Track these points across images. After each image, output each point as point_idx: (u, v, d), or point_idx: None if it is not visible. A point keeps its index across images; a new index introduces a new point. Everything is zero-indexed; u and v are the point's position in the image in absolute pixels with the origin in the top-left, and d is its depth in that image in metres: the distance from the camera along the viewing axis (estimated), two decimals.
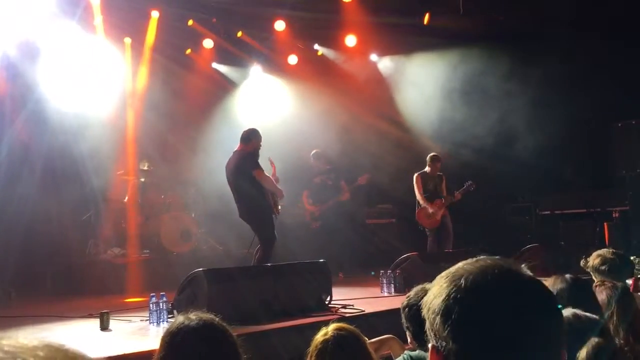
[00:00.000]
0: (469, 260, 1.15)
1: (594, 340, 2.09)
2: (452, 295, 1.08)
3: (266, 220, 7.01)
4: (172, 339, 2.12)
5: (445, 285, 1.11)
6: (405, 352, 2.65)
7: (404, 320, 2.87)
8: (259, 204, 6.97)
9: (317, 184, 9.88)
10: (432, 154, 9.40)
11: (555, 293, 2.67)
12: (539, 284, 1.13)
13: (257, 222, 7.08)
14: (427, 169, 9.33)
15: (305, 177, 10.23)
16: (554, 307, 1.12)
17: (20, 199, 8.33)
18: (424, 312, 1.15)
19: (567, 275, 2.75)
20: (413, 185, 9.33)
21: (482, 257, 1.16)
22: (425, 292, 2.74)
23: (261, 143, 7.21)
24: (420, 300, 2.71)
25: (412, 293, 2.90)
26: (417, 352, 2.66)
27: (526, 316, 1.06)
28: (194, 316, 2.15)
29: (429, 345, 1.13)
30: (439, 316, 1.09)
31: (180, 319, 2.17)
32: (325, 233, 9.75)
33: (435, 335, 1.11)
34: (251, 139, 7.14)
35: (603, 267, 3.48)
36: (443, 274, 1.16)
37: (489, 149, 9.91)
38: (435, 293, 1.13)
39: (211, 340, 2.11)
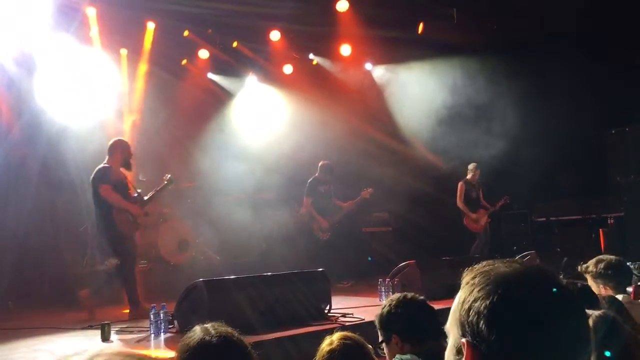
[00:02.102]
0: (503, 263, 1.18)
1: (594, 313, 2.12)
2: (496, 298, 1.10)
3: (113, 236, 6.82)
4: (191, 358, 2.04)
5: (487, 287, 1.12)
6: (397, 355, 2.64)
7: (383, 328, 2.83)
8: (105, 219, 6.81)
9: (322, 193, 9.77)
10: (473, 163, 9.95)
11: None
12: (570, 289, 1.17)
13: (105, 237, 6.92)
14: (468, 176, 9.92)
15: (303, 185, 10.18)
16: (584, 311, 1.17)
17: (16, 210, 8.32)
18: (460, 313, 1.15)
19: (580, 284, 2.78)
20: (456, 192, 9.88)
21: (513, 260, 1.20)
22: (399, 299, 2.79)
23: (130, 155, 7.06)
24: (398, 306, 2.76)
25: (391, 302, 2.89)
26: (408, 356, 2.64)
27: (568, 320, 1.10)
28: (213, 330, 2.07)
29: (463, 340, 1.13)
30: (484, 318, 1.09)
31: (199, 333, 2.08)
32: (325, 242, 9.69)
33: (474, 334, 1.11)
34: (115, 151, 6.98)
35: (608, 272, 3.49)
36: (476, 275, 1.17)
37: (483, 157, 9.96)
38: (476, 295, 1.13)
39: (232, 357, 2.05)
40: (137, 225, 7.05)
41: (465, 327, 1.13)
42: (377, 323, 2.87)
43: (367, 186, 9.94)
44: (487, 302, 1.11)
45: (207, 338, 2.04)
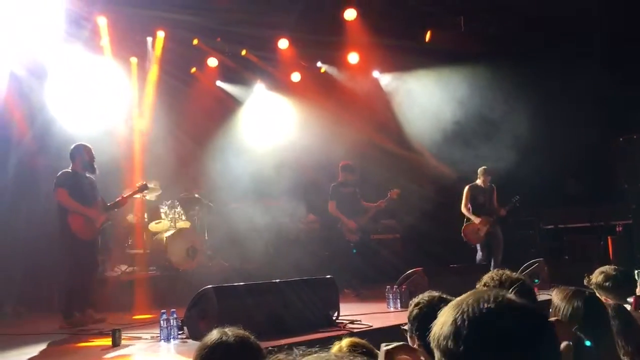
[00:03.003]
0: (469, 292, 1.29)
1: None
2: (458, 320, 1.22)
3: (65, 240, 6.83)
4: (210, 354, 2.16)
5: (450, 312, 1.25)
6: None
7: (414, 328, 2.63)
8: (60, 222, 6.82)
9: (346, 195, 9.40)
10: (483, 166, 9.54)
11: (571, 308, 2.70)
12: (532, 309, 1.26)
13: (60, 241, 6.94)
14: (478, 181, 9.51)
15: (311, 191, 10.14)
16: (547, 331, 1.24)
17: (26, 218, 8.40)
18: (433, 344, 1.27)
19: (587, 292, 2.78)
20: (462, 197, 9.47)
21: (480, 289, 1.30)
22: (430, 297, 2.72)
23: (90, 160, 7.03)
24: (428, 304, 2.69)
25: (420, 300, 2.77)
26: None
27: (523, 340, 1.19)
28: (230, 332, 2.20)
29: None
30: (450, 339, 1.21)
31: (216, 334, 2.21)
32: (330, 248, 9.61)
33: (447, 356, 1.23)
34: (75, 156, 7.00)
35: (607, 284, 3.51)
36: (446, 307, 1.29)
37: (491, 165, 9.97)
38: (442, 322, 1.26)
39: (247, 357, 2.16)
40: (95, 230, 6.96)
41: (444, 354, 1.26)
42: (409, 319, 2.67)
43: (393, 188, 9.57)
44: (449, 325, 1.24)
45: (225, 338, 2.19)
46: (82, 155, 7.01)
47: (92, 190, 7.09)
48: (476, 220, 9.37)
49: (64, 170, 6.94)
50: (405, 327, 2.72)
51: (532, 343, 1.18)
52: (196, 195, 10.16)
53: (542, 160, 9.82)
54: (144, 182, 7.67)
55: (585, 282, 3.77)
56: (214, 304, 5.27)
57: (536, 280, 9.20)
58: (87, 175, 7.06)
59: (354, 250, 9.36)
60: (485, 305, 1.21)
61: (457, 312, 1.23)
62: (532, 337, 1.18)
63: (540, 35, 10.29)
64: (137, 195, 8.10)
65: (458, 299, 1.29)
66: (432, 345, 1.28)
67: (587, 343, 2.16)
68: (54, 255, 8.76)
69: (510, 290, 1.36)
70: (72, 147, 7.10)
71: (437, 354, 1.27)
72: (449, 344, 1.21)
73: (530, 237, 11.07)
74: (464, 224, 9.46)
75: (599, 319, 2.61)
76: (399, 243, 11.61)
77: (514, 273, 2.62)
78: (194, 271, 9.28)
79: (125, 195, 7.54)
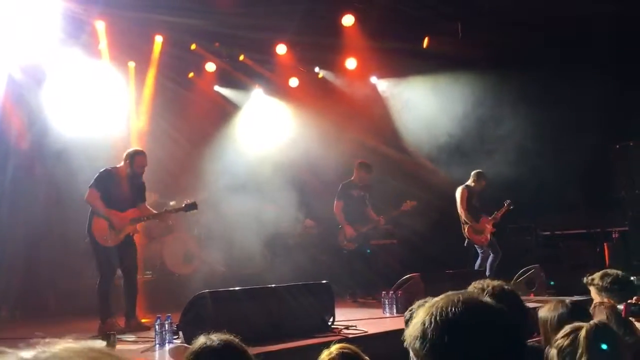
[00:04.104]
0: (442, 295, 1.34)
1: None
2: (426, 321, 1.27)
3: (92, 243, 6.78)
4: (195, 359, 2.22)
5: (422, 314, 1.30)
6: None
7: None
8: (89, 225, 6.80)
9: (355, 198, 9.20)
10: (477, 170, 9.32)
11: (556, 317, 2.76)
12: (502, 313, 1.30)
13: (90, 243, 6.89)
14: (471, 183, 9.26)
15: (309, 196, 10.11)
16: (514, 335, 1.28)
17: (24, 222, 8.40)
18: (406, 343, 1.34)
19: (568, 300, 2.82)
20: (457, 197, 9.20)
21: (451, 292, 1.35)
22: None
23: (140, 168, 6.96)
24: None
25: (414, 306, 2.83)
26: None
27: (490, 342, 1.23)
28: (215, 337, 2.26)
29: None
30: (417, 339, 1.27)
31: (202, 339, 2.28)
32: (340, 253, 9.42)
33: (416, 356, 1.29)
34: (126, 159, 6.97)
35: (615, 286, 3.53)
36: (421, 309, 1.36)
37: (488, 170, 9.97)
38: (414, 323, 1.32)
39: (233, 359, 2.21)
40: (116, 238, 6.83)
41: (413, 351, 1.33)
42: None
43: (415, 204, 9.31)
44: (419, 325, 1.31)
45: (209, 342, 2.26)
46: (135, 161, 6.93)
47: (132, 196, 7.00)
48: (478, 225, 9.20)
49: (106, 168, 6.89)
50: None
51: (497, 345, 1.21)
52: (192, 200, 10.13)
53: (539, 167, 9.83)
54: (194, 201, 7.38)
55: (585, 280, 3.78)
56: (209, 309, 5.26)
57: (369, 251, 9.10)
58: (132, 181, 6.98)
59: (369, 251, 9.23)
60: (453, 309, 1.26)
61: (427, 314, 1.28)
62: (497, 339, 1.21)
63: (538, 41, 10.31)
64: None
65: (432, 300, 1.33)
66: (405, 344, 1.34)
67: (604, 346, 2.15)
68: (51, 258, 8.78)
69: (485, 294, 1.42)
70: (132, 149, 7.09)
71: (410, 353, 1.33)
72: (416, 344, 1.26)
73: (527, 243, 11.07)
74: (467, 226, 9.17)
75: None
76: (396, 248, 11.61)
77: (496, 281, 2.66)
78: (191, 276, 9.27)
79: (168, 210, 7.47)
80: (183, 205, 7.36)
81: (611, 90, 9.39)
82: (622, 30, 9.42)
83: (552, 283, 8.66)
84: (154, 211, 7.29)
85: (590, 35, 9.48)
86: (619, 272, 3.72)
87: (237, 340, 2.31)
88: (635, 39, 9.30)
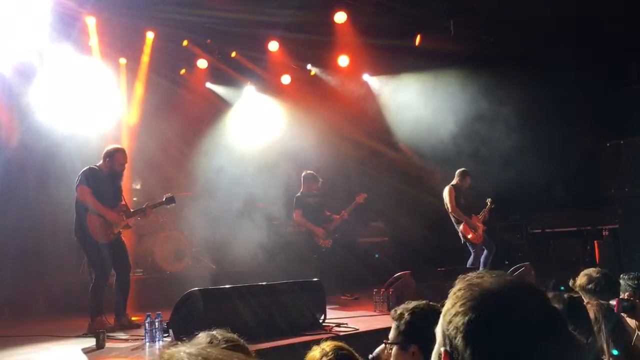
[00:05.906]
0: (492, 277, 1.19)
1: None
2: (474, 317, 1.12)
3: (87, 242, 6.69)
4: None
5: (468, 303, 1.15)
6: None
7: (406, 334, 2.59)
8: (80, 224, 6.68)
9: (311, 205, 9.44)
10: (462, 169, 9.32)
11: None
12: (557, 312, 1.18)
13: (80, 243, 6.82)
14: (457, 182, 9.23)
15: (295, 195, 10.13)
16: (570, 338, 1.18)
17: (14, 218, 8.33)
18: (443, 322, 1.18)
19: (565, 295, 2.81)
20: (445, 197, 9.17)
21: (503, 274, 1.20)
22: (430, 308, 2.68)
23: (120, 165, 6.88)
24: (428, 316, 2.64)
25: (419, 309, 2.73)
26: None
27: (549, 347, 1.10)
28: (219, 335, 2.07)
29: (442, 349, 1.16)
30: (461, 334, 1.12)
31: (204, 338, 2.06)
32: (321, 252, 9.57)
33: (452, 346, 1.14)
34: (106, 157, 6.88)
35: (590, 286, 3.54)
36: (463, 287, 1.19)
37: (479, 168, 9.99)
38: (457, 309, 1.16)
39: None
40: (111, 234, 6.80)
41: (445, 338, 1.16)
42: (398, 326, 2.62)
43: (361, 192, 9.62)
44: (466, 319, 1.13)
45: (215, 342, 2.07)
46: (115, 159, 6.85)
47: (115, 193, 6.96)
48: (469, 219, 9.17)
49: (89, 167, 6.79)
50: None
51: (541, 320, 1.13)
52: (171, 194, 10.12)
53: (530, 165, 9.85)
54: (171, 195, 7.40)
55: (570, 284, 3.79)
56: (199, 307, 5.25)
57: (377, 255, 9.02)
58: (113, 178, 6.91)
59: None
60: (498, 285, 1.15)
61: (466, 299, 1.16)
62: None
63: (529, 40, 10.33)
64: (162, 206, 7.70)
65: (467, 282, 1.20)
66: (439, 329, 1.20)
67: (615, 352, 2.12)
68: (41, 255, 8.73)
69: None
70: (111, 147, 6.96)
71: (438, 338, 1.20)
72: (458, 339, 1.13)
73: (518, 241, 11.11)
74: (462, 224, 9.14)
75: (581, 321, 2.63)
76: (388, 245, 11.62)
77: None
78: (181, 274, 9.24)
79: (150, 205, 7.40)
80: (164, 199, 7.35)
81: (603, 89, 9.44)
82: (615, 30, 9.45)
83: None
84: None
85: (584, 34, 9.51)
86: (598, 270, 3.72)
87: (242, 341, 2.14)
88: (627, 39, 9.34)
